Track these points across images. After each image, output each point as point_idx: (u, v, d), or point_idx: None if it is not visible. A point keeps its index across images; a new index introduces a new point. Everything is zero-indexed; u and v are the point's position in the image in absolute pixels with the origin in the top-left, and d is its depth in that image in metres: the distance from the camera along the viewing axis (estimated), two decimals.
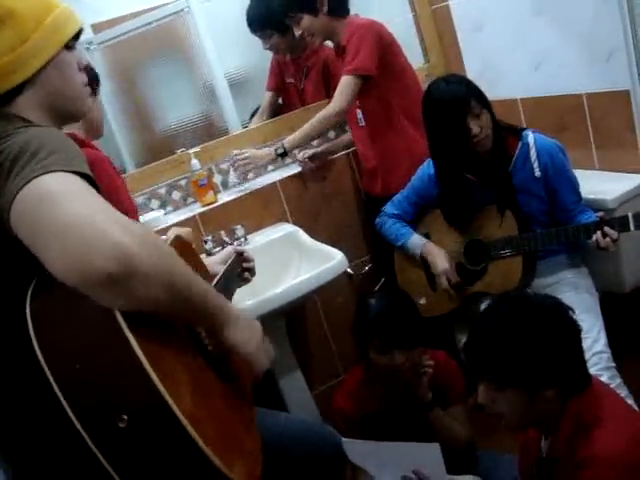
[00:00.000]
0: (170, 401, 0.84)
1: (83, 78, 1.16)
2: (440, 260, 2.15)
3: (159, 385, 0.84)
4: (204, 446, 0.86)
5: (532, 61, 2.45)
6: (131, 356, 0.85)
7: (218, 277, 1.49)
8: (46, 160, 0.89)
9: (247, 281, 1.73)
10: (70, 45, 1.11)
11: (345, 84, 2.29)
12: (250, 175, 2.55)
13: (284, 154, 2.37)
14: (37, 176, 0.86)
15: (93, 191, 0.89)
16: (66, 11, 1.11)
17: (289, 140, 2.36)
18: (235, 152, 2.41)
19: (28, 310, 0.90)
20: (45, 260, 0.84)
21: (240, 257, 1.70)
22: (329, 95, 2.67)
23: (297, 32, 2.38)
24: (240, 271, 1.69)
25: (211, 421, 0.95)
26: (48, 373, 0.86)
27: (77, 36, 1.13)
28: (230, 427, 1.03)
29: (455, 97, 1.94)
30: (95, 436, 0.85)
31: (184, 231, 1.89)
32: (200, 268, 1.43)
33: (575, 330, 1.39)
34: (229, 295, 1.53)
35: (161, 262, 0.88)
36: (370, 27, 2.28)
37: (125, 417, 0.85)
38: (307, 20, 2.31)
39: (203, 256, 1.79)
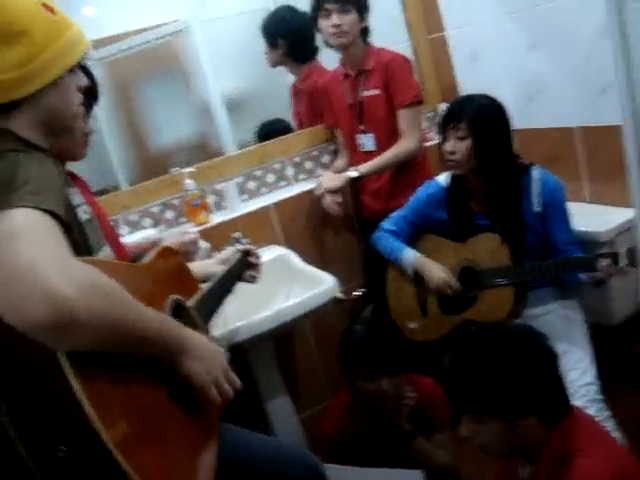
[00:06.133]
0: (104, 435, 0.87)
1: (80, 98, 1.18)
2: (437, 271, 2.11)
3: (93, 417, 0.87)
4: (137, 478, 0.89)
5: (526, 93, 2.48)
6: (69, 391, 0.87)
7: (216, 278, 1.51)
8: (12, 194, 0.91)
9: (254, 280, 1.75)
10: (73, 69, 1.14)
11: (411, 116, 2.38)
12: (244, 196, 2.56)
13: (359, 179, 2.39)
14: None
15: (49, 233, 0.90)
16: (77, 34, 1.14)
17: (365, 166, 2.37)
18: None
19: None
20: None
21: (245, 256, 1.72)
22: (317, 120, 2.73)
23: None
24: (244, 268, 1.71)
25: (151, 454, 0.97)
26: None
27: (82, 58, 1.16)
28: (175, 460, 1.05)
29: (449, 112, 2.05)
30: (37, 461, 0.90)
31: (181, 240, 1.89)
32: (185, 279, 1.44)
33: (550, 356, 1.40)
34: (223, 297, 1.54)
35: (103, 308, 0.89)
36: (404, 57, 2.44)
37: (64, 448, 0.89)
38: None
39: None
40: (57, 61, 1.09)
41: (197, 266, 1.63)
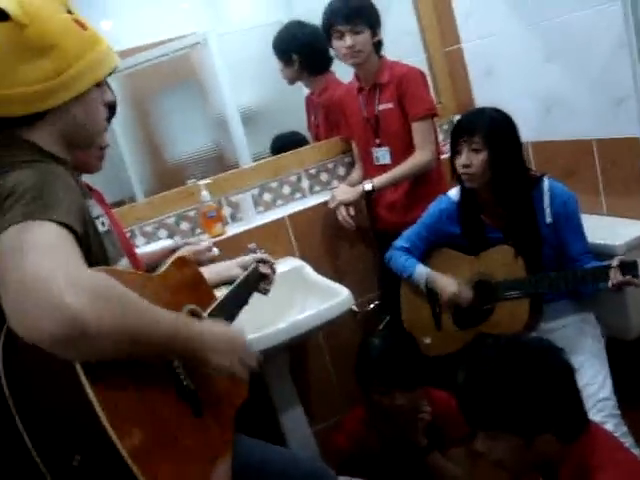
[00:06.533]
0: (119, 444, 0.88)
1: (104, 113, 1.20)
2: (448, 283, 2.10)
3: (108, 428, 0.88)
4: None
5: (543, 106, 2.47)
6: (85, 400, 0.88)
7: (232, 287, 1.51)
8: (29, 206, 0.91)
9: (266, 291, 1.77)
10: (100, 84, 1.15)
11: (425, 129, 2.38)
12: (260, 208, 2.57)
13: (371, 192, 2.38)
14: (14, 223, 0.89)
15: (62, 244, 0.90)
16: (106, 50, 1.15)
17: (380, 179, 2.37)
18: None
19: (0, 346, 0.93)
20: (5, 310, 0.86)
21: (258, 267, 1.72)
22: (333, 133, 2.73)
23: None
24: (259, 279, 1.73)
25: (165, 464, 0.97)
26: (12, 407, 0.90)
27: (109, 73, 1.17)
28: (189, 471, 1.05)
29: (460, 126, 2.05)
30: (51, 470, 0.90)
31: (195, 249, 1.89)
32: (201, 288, 1.44)
33: (567, 371, 1.37)
34: (239, 306, 1.55)
35: (116, 318, 0.89)
36: (418, 71, 2.43)
37: (79, 457, 0.90)
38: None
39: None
40: (84, 76, 1.10)
41: (218, 269, 1.65)
